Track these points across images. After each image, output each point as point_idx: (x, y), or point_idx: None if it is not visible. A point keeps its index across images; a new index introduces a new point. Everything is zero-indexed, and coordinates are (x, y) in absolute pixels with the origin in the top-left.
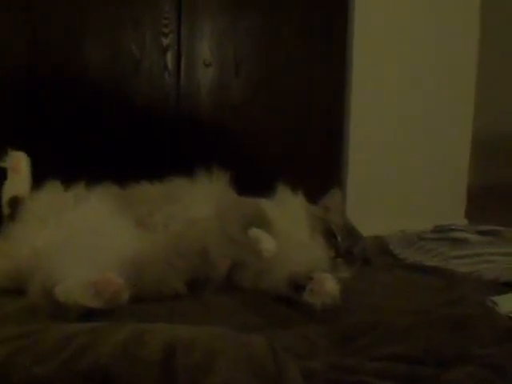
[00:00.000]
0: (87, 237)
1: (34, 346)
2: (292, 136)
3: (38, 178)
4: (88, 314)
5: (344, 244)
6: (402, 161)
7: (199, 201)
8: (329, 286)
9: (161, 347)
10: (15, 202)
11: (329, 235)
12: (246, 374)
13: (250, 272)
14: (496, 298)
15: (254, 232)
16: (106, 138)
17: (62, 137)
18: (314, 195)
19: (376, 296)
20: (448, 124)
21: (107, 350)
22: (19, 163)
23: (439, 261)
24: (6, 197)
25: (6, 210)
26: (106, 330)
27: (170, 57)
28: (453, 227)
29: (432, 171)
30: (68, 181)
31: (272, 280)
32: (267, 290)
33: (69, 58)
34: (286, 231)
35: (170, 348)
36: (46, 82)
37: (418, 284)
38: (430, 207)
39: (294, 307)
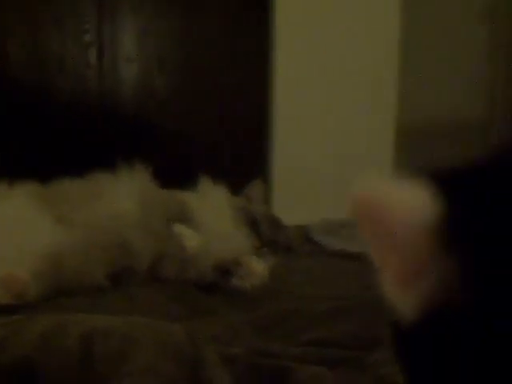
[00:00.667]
0: (3, 234)
1: None
2: (216, 130)
3: None
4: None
5: (268, 233)
6: (326, 152)
7: (121, 196)
8: (257, 267)
9: (80, 337)
10: None
11: (253, 225)
12: (163, 360)
13: (174, 263)
14: None
15: (178, 228)
16: (29, 135)
17: None
18: (239, 188)
19: (299, 283)
20: (371, 115)
21: (27, 342)
22: None
23: (361, 247)
24: None
25: None
26: (25, 322)
27: (92, 53)
28: None
29: (356, 162)
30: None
31: (197, 270)
32: (192, 279)
33: None
34: (209, 222)
35: (88, 337)
36: None
37: (340, 270)
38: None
39: (218, 295)
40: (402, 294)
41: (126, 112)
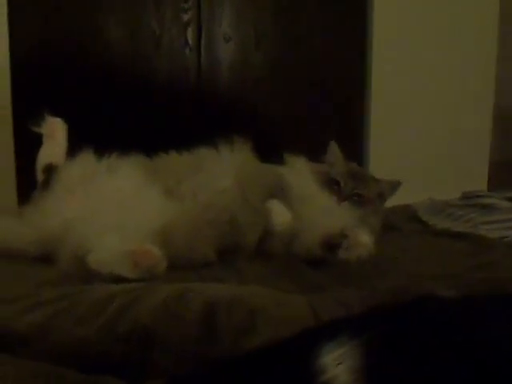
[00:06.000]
0: (117, 206)
1: (74, 307)
2: (311, 109)
3: (73, 146)
4: (121, 281)
5: (348, 188)
6: (424, 135)
7: (224, 170)
8: (363, 239)
9: (203, 307)
10: (50, 170)
11: (330, 184)
12: (287, 334)
13: (280, 238)
14: None
15: (270, 204)
16: (130, 112)
17: (90, 109)
18: None
19: (407, 261)
20: (470, 99)
21: (147, 310)
22: (56, 130)
23: (469, 227)
24: (41, 163)
25: (40, 177)
26: (146, 290)
27: (190, 32)
28: (481, 194)
29: (454, 147)
30: (99, 150)
31: (303, 244)
32: (299, 254)
33: (89, 34)
34: (308, 195)
35: (211, 307)
36: (69, 57)
37: (448, 249)
38: (452, 181)
39: (326, 271)
40: None
41: (222, 90)
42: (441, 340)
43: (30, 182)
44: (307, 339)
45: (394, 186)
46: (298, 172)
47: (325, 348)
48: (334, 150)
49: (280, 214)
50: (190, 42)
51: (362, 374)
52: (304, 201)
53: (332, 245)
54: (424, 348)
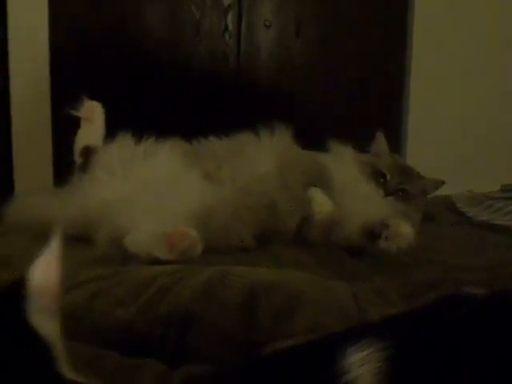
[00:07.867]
0: (155, 189)
1: (114, 288)
2: (350, 97)
3: (111, 130)
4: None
5: (394, 182)
6: (464, 126)
7: (264, 155)
8: (404, 230)
9: (243, 290)
10: (87, 152)
11: (376, 176)
12: (328, 320)
13: (319, 226)
14: None
15: (311, 192)
16: (169, 97)
17: (128, 93)
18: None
19: (444, 252)
20: (510, 91)
21: (188, 292)
22: (93, 113)
23: (509, 220)
24: (79, 146)
25: (78, 160)
26: (188, 271)
27: (230, 17)
28: None
29: (493, 139)
30: (137, 134)
31: (342, 233)
32: (338, 243)
33: (128, 18)
34: (350, 184)
35: (253, 291)
36: (107, 41)
37: (486, 241)
38: (491, 174)
39: (365, 260)
40: None
41: (262, 76)
42: (469, 343)
43: (66, 164)
44: (333, 341)
45: (437, 184)
46: (342, 160)
47: (349, 350)
48: (380, 142)
49: (321, 203)
50: (230, 27)
51: (386, 375)
52: (346, 189)
53: (372, 234)
54: (450, 351)
